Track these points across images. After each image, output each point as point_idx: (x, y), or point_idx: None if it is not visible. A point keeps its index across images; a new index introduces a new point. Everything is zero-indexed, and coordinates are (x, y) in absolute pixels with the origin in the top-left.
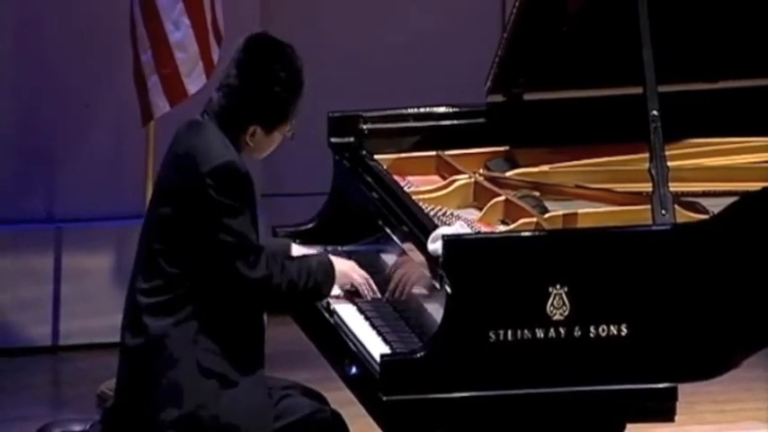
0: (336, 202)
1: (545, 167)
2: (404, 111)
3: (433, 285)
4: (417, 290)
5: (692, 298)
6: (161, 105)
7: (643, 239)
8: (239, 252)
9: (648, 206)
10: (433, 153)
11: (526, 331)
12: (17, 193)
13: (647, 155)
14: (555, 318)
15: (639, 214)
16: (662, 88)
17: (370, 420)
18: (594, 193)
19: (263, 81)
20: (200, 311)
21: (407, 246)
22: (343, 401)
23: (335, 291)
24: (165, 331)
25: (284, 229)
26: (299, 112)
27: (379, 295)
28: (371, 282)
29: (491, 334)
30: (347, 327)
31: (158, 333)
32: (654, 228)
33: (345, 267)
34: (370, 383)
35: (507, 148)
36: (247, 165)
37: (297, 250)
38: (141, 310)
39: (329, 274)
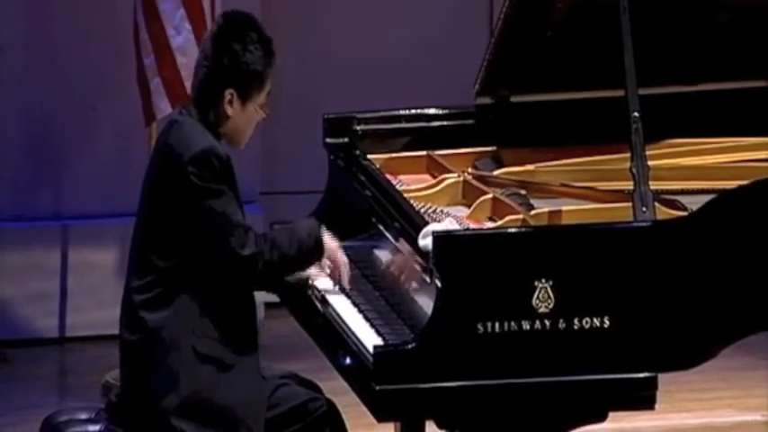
0: (331, 200)
1: (531, 167)
2: (396, 112)
3: (424, 279)
4: (409, 284)
5: (671, 291)
6: (163, 107)
7: (624, 235)
8: (227, 232)
9: (630, 203)
10: (424, 153)
11: (513, 323)
12: (26, 192)
13: (628, 154)
14: (540, 310)
15: (621, 211)
16: (642, 91)
17: (364, 409)
18: (578, 191)
19: (236, 46)
20: (194, 300)
21: (400, 244)
22: (338, 391)
23: (313, 270)
24: (162, 323)
25: (281, 226)
26: (273, 93)
27: (348, 286)
28: (348, 270)
29: (479, 326)
30: (342, 319)
31: (156, 326)
32: (635, 224)
33: (334, 245)
34: (363, 373)
35: (495, 148)
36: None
37: (327, 239)
38: (137, 306)
39: (318, 243)
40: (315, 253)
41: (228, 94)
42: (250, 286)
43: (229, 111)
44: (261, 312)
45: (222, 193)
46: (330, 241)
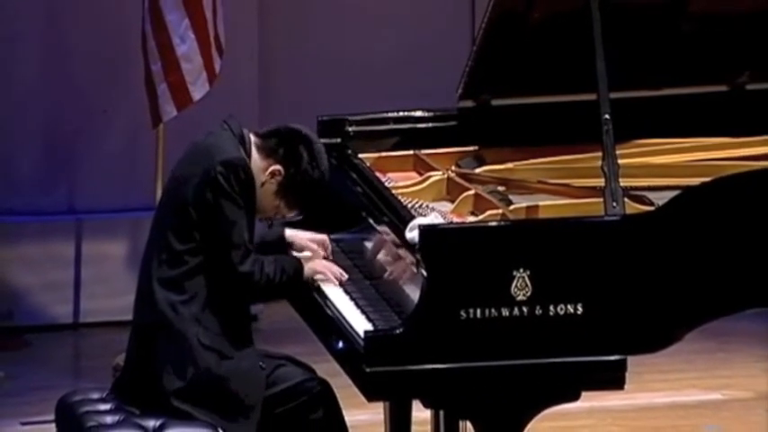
0: (325, 196)
1: (510, 165)
2: (385, 114)
3: (411, 270)
4: (398, 275)
5: (639, 280)
6: (169, 110)
7: (596, 228)
8: (233, 244)
9: (601, 199)
10: (411, 152)
11: (493, 310)
12: (43, 189)
13: (599, 154)
14: (518, 298)
15: (593, 206)
16: (613, 95)
17: (355, 390)
18: (554, 187)
19: (310, 166)
20: (202, 291)
21: (384, 230)
22: (331, 372)
23: (318, 276)
24: (171, 308)
25: (278, 219)
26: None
27: (345, 276)
28: (335, 268)
29: (462, 312)
30: (334, 306)
31: (165, 310)
32: (606, 218)
33: (312, 263)
34: (354, 357)
35: (476, 147)
36: None
37: (289, 233)
38: (152, 282)
39: (298, 271)
40: (294, 280)
41: (278, 170)
42: (239, 298)
43: (267, 180)
44: None
45: (240, 205)
46: (309, 261)
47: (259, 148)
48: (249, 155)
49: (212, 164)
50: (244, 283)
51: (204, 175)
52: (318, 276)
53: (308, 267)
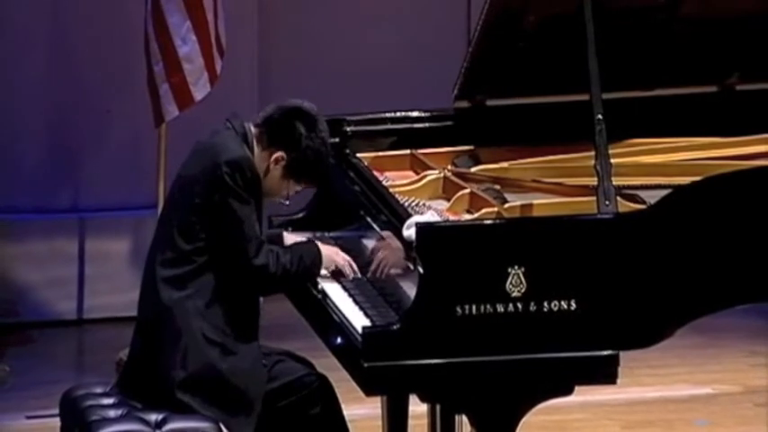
0: (324, 195)
1: (505, 164)
2: (382, 115)
3: (408, 266)
4: (394, 270)
5: (631, 277)
6: (171, 110)
7: (589, 226)
8: (245, 240)
9: (594, 198)
10: (408, 152)
11: (488, 306)
12: (47, 188)
13: (592, 153)
14: (513, 294)
15: (587, 204)
16: (606, 95)
17: (353, 384)
18: (548, 186)
19: (310, 137)
20: (207, 287)
21: (386, 233)
22: (329, 367)
23: (323, 272)
24: (176, 303)
25: (279, 218)
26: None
27: (359, 275)
28: (353, 263)
29: (458, 309)
30: (333, 303)
31: (170, 305)
32: (599, 216)
33: (330, 252)
34: (352, 352)
35: (472, 147)
36: None
37: (288, 238)
38: (157, 280)
39: (316, 259)
40: (312, 269)
41: (280, 155)
42: (254, 292)
43: (272, 167)
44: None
45: (247, 202)
46: (327, 249)
47: (259, 140)
48: (252, 150)
49: (218, 164)
50: (259, 276)
51: (210, 176)
52: (333, 269)
53: (326, 257)
